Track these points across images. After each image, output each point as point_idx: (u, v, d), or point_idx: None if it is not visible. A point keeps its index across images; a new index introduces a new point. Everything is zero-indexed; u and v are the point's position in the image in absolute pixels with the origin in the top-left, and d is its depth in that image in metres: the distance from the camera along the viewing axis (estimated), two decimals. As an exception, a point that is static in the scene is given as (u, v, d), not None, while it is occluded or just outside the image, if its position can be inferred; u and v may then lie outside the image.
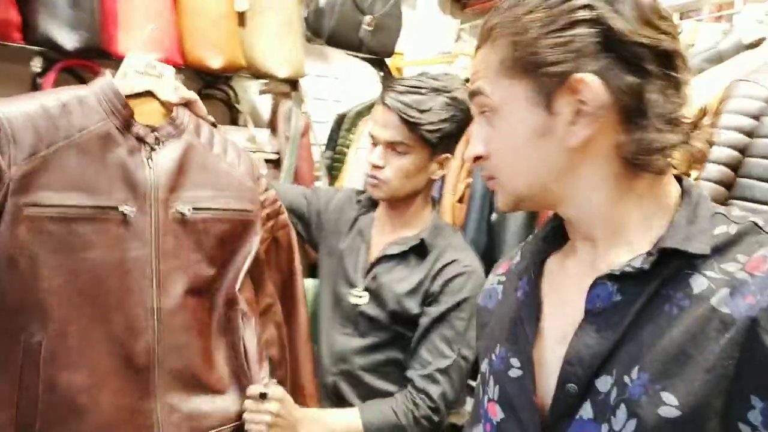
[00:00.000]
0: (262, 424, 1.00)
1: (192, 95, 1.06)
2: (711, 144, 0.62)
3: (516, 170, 0.62)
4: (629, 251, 0.58)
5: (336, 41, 1.78)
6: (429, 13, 2.58)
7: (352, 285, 1.24)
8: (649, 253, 0.55)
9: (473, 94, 0.64)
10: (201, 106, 1.08)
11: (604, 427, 0.54)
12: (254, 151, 1.78)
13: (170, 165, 0.97)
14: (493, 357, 0.70)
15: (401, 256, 1.20)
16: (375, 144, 1.18)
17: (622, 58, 0.54)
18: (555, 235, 0.69)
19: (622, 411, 0.53)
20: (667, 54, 0.55)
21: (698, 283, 0.53)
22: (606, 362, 0.56)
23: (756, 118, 0.83)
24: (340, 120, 2.22)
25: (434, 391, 1.11)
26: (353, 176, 1.91)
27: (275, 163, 1.81)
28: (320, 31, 1.76)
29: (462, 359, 1.13)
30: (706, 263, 0.54)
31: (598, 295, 0.58)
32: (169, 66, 1.03)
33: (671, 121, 0.55)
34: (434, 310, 1.14)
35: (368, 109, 2.11)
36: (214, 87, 1.91)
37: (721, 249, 0.54)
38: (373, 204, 1.30)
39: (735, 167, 0.84)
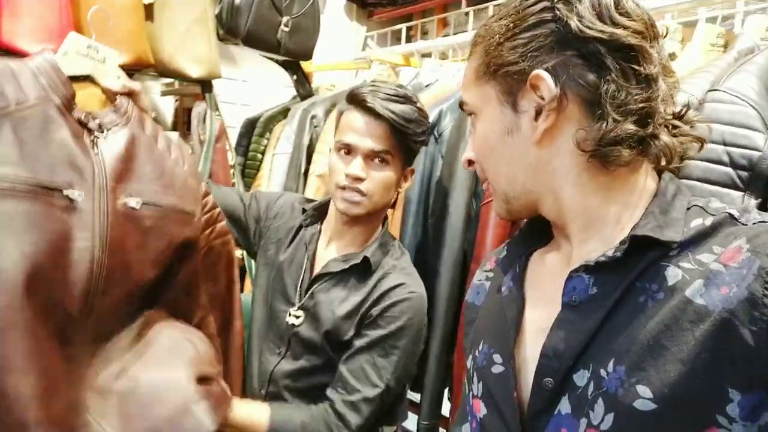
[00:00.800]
0: None
1: (136, 86, 0.96)
2: (702, 141, 0.61)
3: (496, 170, 0.65)
4: (603, 245, 0.59)
5: (253, 41, 1.70)
6: (336, 19, 2.57)
7: (289, 302, 1.15)
8: (621, 242, 0.56)
9: (461, 105, 0.69)
10: (144, 99, 0.99)
11: (583, 422, 0.54)
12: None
13: (116, 154, 0.86)
14: (477, 353, 0.69)
15: (341, 275, 1.12)
16: (348, 153, 1.10)
17: (581, 54, 0.57)
18: (540, 231, 0.70)
19: (599, 405, 0.53)
20: (626, 47, 0.56)
21: (673, 274, 0.53)
22: (582, 356, 0.56)
23: (687, 124, 0.92)
24: (250, 124, 2.13)
25: (354, 421, 1.03)
26: (272, 182, 1.82)
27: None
28: (236, 31, 1.66)
29: (387, 390, 1.06)
30: (681, 255, 0.54)
31: (574, 287, 0.58)
32: (113, 51, 0.93)
33: (632, 112, 0.56)
34: (371, 333, 1.06)
35: (282, 113, 2.04)
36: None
37: (696, 240, 0.54)
38: (320, 215, 1.22)
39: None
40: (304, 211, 1.23)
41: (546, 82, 0.57)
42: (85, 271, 0.80)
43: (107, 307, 0.83)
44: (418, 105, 1.12)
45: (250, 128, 2.13)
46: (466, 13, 2.03)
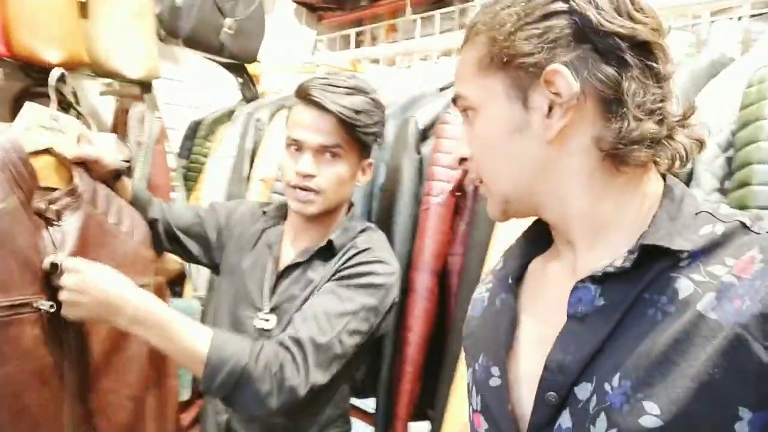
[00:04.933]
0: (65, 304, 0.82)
1: (94, 154, 0.95)
2: (701, 143, 0.58)
3: (498, 170, 0.60)
4: (610, 252, 0.56)
5: (194, 43, 1.67)
6: (285, 22, 2.54)
7: (255, 307, 1.09)
8: (630, 251, 0.53)
9: (455, 100, 0.63)
10: (106, 165, 0.99)
11: None
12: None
13: (71, 243, 0.84)
14: (476, 366, 0.67)
15: (306, 264, 1.08)
16: (298, 150, 1.05)
17: (598, 48, 0.53)
18: (539, 239, 0.67)
19: (602, 420, 0.51)
20: (645, 44, 0.54)
21: (684, 287, 0.51)
22: (586, 369, 0.53)
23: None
24: (195, 127, 2.10)
25: (299, 358, 0.91)
26: (213, 186, 1.79)
27: (125, 172, 1.62)
28: (177, 31, 1.63)
29: (339, 343, 0.95)
30: (692, 266, 0.52)
31: (580, 299, 0.55)
32: (75, 120, 0.93)
33: (651, 111, 0.54)
34: (329, 285, 1.01)
35: (227, 116, 2.01)
36: (45, 84, 1.66)
37: (707, 250, 0.52)
38: (282, 216, 1.17)
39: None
40: (264, 213, 1.19)
41: (565, 78, 0.53)
42: (64, 383, 0.80)
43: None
44: (372, 96, 1.07)
45: (194, 131, 2.09)
46: (414, 20, 2.05)
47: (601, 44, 0.53)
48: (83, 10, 1.47)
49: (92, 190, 0.92)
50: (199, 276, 1.77)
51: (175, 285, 1.83)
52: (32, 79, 1.62)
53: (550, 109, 0.55)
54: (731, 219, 0.53)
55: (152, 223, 1.15)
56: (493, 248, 1.13)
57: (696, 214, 0.55)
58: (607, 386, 0.52)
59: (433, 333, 1.22)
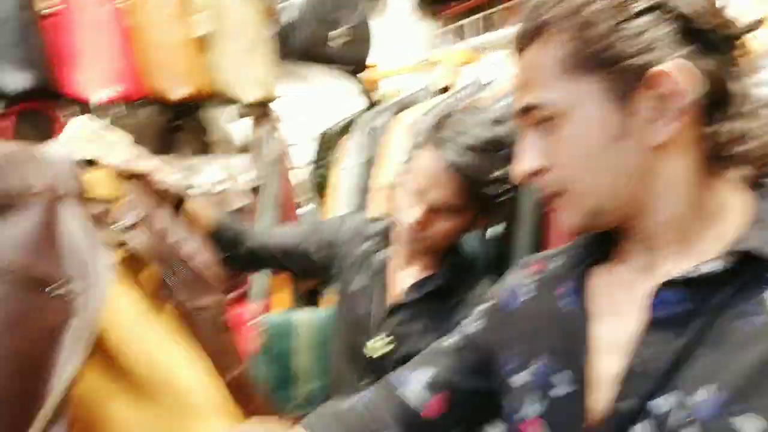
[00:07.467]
0: None
1: (145, 168, 0.85)
2: None
3: (593, 180, 0.55)
4: (697, 257, 0.52)
5: (308, 57, 1.70)
6: (404, 19, 2.49)
7: (368, 336, 1.06)
8: (728, 254, 0.50)
9: (524, 112, 0.57)
10: (159, 179, 0.87)
11: None
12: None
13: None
14: (531, 369, 0.63)
15: (418, 303, 1.04)
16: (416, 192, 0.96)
17: (701, 45, 0.50)
18: (599, 241, 0.63)
19: None
20: (736, 38, 0.52)
21: None
22: (668, 378, 0.51)
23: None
24: (323, 139, 2.13)
25: None
26: (338, 198, 1.81)
27: (254, 191, 1.71)
28: (291, 48, 1.67)
29: None
30: None
31: (663, 301, 0.52)
32: (126, 135, 0.88)
33: (753, 107, 0.52)
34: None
35: (348, 125, 2.02)
36: (184, 117, 1.82)
37: None
38: (386, 237, 1.12)
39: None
40: (368, 237, 1.14)
41: (680, 79, 0.50)
42: None
43: None
44: None
45: (322, 143, 2.13)
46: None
47: (704, 41, 0.50)
48: (204, 44, 1.56)
49: (153, 207, 0.83)
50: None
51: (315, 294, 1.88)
52: (173, 113, 1.78)
53: (654, 111, 0.52)
54: None
55: (253, 251, 1.15)
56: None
57: None
58: (693, 398, 0.49)
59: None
